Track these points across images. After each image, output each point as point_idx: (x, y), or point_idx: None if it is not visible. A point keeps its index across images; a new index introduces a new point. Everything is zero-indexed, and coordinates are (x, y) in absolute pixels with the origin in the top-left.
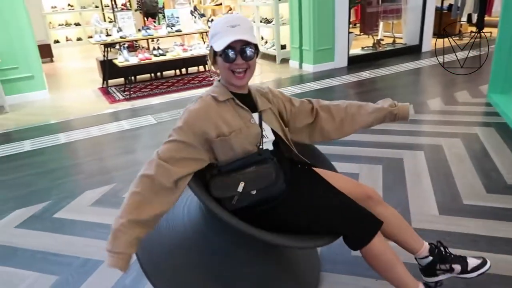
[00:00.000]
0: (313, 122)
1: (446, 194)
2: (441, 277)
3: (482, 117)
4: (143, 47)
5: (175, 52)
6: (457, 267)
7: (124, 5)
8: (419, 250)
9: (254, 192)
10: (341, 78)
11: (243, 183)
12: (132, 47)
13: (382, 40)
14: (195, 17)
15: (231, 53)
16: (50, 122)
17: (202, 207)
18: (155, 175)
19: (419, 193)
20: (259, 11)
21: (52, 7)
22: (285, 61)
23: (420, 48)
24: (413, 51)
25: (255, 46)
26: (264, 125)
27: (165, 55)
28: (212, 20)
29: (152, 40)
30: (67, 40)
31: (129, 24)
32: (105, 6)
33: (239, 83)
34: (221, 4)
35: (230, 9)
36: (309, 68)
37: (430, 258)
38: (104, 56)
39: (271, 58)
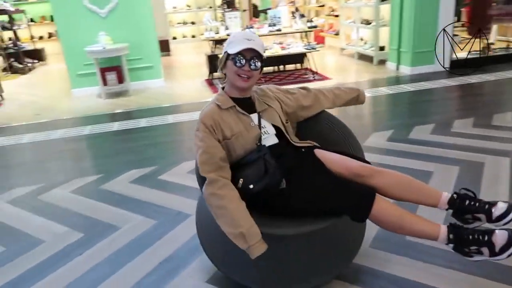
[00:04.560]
0: (313, 101)
1: None
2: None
3: None
4: None
5: (274, 50)
6: (482, 217)
7: (234, 5)
8: (438, 203)
9: (251, 186)
10: (438, 81)
11: (242, 180)
12: None
13: (493, 44)
14: (295, 17)
15: (241, 60)
16: (162, 105)
17: None
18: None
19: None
20: (360, 12)
21: (173, 7)
22: (382, 62)
23: None
24: None
25: (261, 61)
26: (265, 122)
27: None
28: (312, 20)
29: None
30: (183, 37)
31: (235, 23)
32: (218, 7)
33: (242, 85)
34: (324, 5)
35: (333, 10)
36: (406, 70)
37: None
38: (212, 51)
39: (368, 59)
